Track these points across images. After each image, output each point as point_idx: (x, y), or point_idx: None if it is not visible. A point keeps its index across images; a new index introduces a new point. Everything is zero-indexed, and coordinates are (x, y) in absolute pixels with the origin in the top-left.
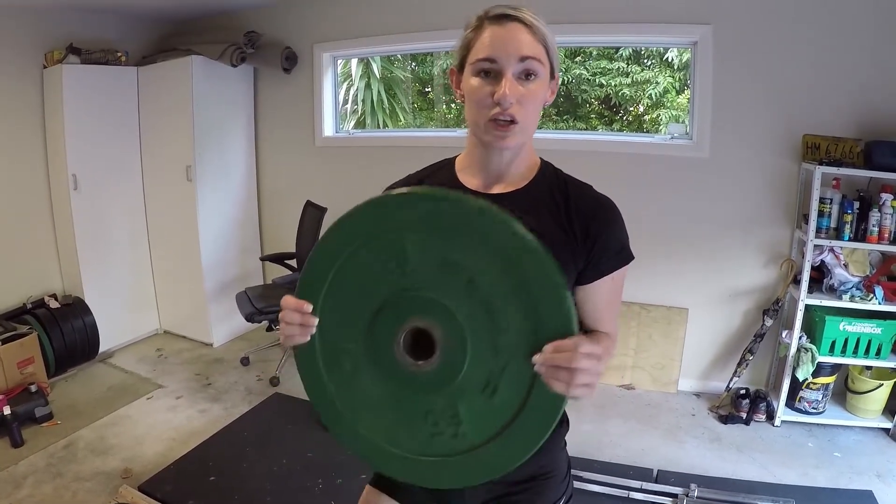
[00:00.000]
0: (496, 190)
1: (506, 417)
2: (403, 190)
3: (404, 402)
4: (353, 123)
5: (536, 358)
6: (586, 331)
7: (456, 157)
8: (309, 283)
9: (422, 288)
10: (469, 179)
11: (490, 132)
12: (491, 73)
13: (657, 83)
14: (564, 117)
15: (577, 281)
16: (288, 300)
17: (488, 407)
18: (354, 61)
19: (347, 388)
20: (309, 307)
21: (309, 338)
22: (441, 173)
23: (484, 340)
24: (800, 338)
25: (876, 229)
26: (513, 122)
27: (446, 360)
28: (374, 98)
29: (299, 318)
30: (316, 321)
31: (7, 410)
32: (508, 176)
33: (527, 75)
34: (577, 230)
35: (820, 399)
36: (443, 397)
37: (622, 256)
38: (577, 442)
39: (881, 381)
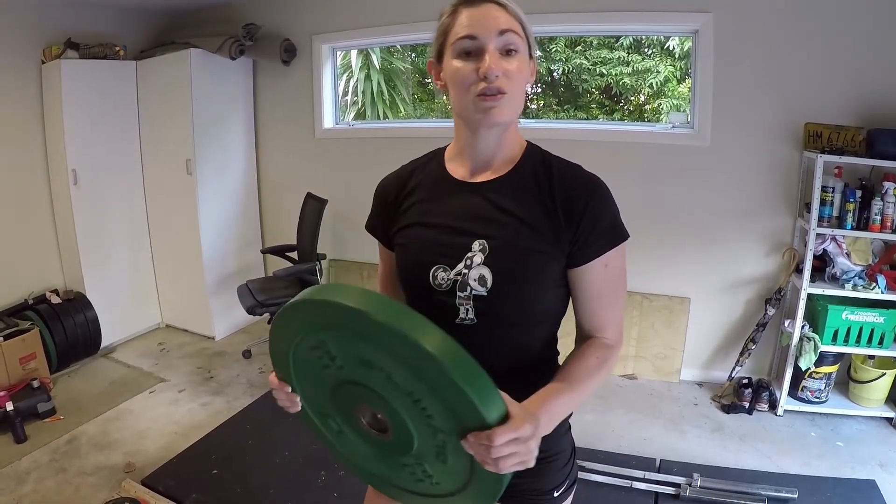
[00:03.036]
0: (482, 178)
1: (464, 477)
2: (305, 295)
3: (385, 458)
4: (352, 115)
5: (464, 444)
6: (582, 329)
7: (446, 146)
8: (277, 366)
9: (356, 380)
10: (456, 169)
11: (479, 107)
12: (472, 52)
13: (658, 72)
14: (565, 107)
15: (569, 264)
16: (272, 380)
17: (446, 469)
18: (354, 52)
19: (341, 440)
20: (288, 388)
21: (300, 407)
22: (431, 164)
23: (420, 423)
24: (802, 327)
25: (878, 218)
26: (500, 92)
27: (398, 435)
28: (374, 89)
29: (284, 395)
30: (298, 397)
31: (10, 406)
32: (495, 161)
33: (507, 51)
34: (560, 209)
35: (822, 388)
36: (411, 458)
37: (613, 234)
38: (580, 432)
39: (884, 371)
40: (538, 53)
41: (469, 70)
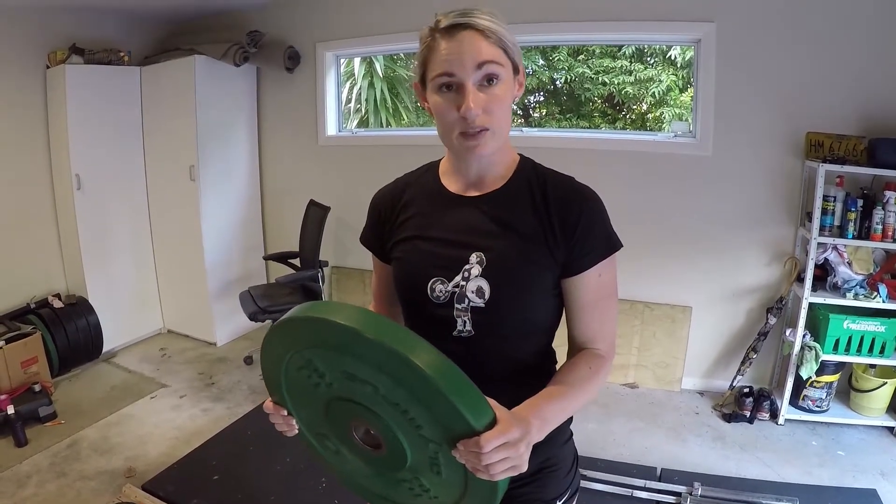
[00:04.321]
0: (476, 192)
1: (459, 488)
2: (290, 314)
3: (382, 473)
4: (356, 122)
5: (455, 454)
6: (574, 341)
7: (440, 160)
8: (271, 388)
9: (345, 396)
10: (450, 183)
11: (463, 145)
12: (452, 86)
13: (660, 81)
14: (567, 116)
15: (563, 273)
16: (267, 405)
17: (441, 481)
18: (357, 60)
19: (339, 459)
20: (283, 411)
21: (297, 430)
22: (426, 177)
23: (411, 435)
24: (803, 336)
25: (880, 227)
26: (483, 130)
27: (392, 449)
28: (377, 97)
29: (280, 419)
30: (294, 420)
31: (11, 410)
32: (488, 176)
33: (489, 80)
34: (554, 222)
35: (824, 397)
36: (407, 472)
37: (607, 245)
38: (581, 440)
39: (885, 380)
40: (525, 68)
41: (449, 107)
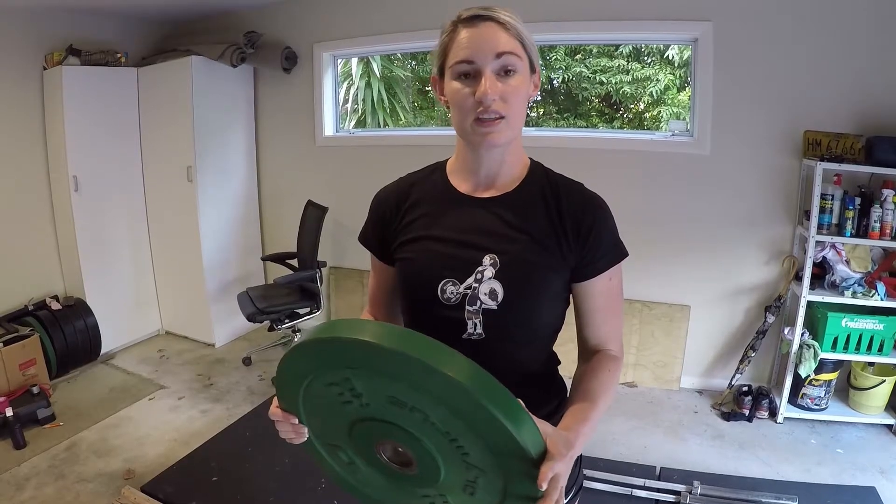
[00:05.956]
0: (488, 193)
1: None
2: (327, 333)
3: (402, 488)
4: (353, 123)
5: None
6: (587, 343)
7: (448, 159)
8: (284, 397)
9: (382, 417)
10: (460, 183)
11: (477, 132)
12: (470, 74)
13: (658, 80)
14: (565, 115)
15: (573, 278)
16: (275, 412)
17: (472, 501)
18: (354, 60)
19: (351, 471)
20: (295, 419)
21: (306, 437)
22: (433, 177)
23: (452, 460)
24: (802, 334)
25: (878, 225)
26: (498, 117)
27: (424, 469)
28: (375, 97)
29: (290, 427)
30: (305, 428)
31: (9, 412)
32: (500, 178)
33: (506, 71)
34: (568, 228)
35: (822, 395)
36: (433, 489)
37: (616, 253)
38: None
39: (884, 378)
40: (540, 62)
41: (467, 94)
